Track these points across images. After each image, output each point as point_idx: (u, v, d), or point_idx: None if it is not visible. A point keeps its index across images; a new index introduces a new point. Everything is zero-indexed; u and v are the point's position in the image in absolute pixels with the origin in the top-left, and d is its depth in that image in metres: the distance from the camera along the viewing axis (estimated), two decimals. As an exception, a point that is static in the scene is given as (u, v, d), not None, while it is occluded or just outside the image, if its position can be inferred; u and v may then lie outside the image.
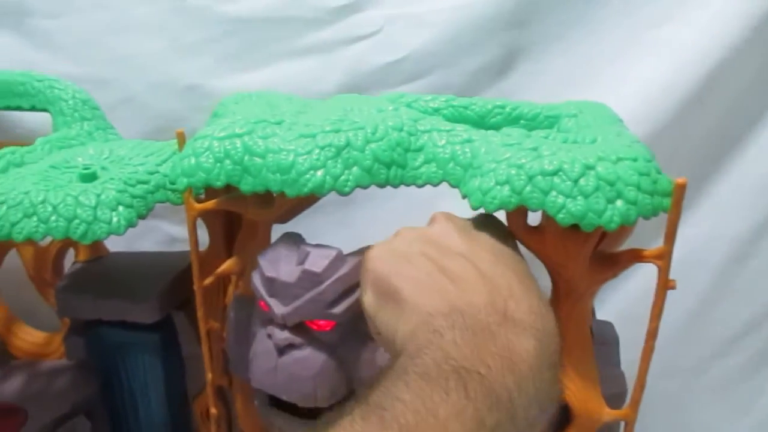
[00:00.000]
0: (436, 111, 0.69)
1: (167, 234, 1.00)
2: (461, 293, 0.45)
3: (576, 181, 0.50)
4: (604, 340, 0.73)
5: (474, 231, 0.54)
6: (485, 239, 0.53)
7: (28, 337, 0.88)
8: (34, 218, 0.59)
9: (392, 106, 0.64)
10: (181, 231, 0.98)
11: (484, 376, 0.39)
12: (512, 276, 0.47)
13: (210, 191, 0.69)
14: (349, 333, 0.60)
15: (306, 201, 0.63)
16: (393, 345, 0.47)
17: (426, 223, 0.57)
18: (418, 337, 0.43)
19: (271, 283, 0.58)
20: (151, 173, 0.66)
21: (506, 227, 0.58)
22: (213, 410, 0.75)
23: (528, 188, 0.51)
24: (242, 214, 0.68)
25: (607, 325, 0.76)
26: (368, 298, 0.51)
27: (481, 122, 0.68)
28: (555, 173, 0.51)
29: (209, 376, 0.73)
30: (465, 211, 0.57)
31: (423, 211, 1.03)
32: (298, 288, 0.57)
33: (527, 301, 0.45)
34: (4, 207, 0.60)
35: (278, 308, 0.58)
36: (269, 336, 0.60)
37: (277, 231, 0.65)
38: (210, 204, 0.65)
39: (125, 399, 0.83)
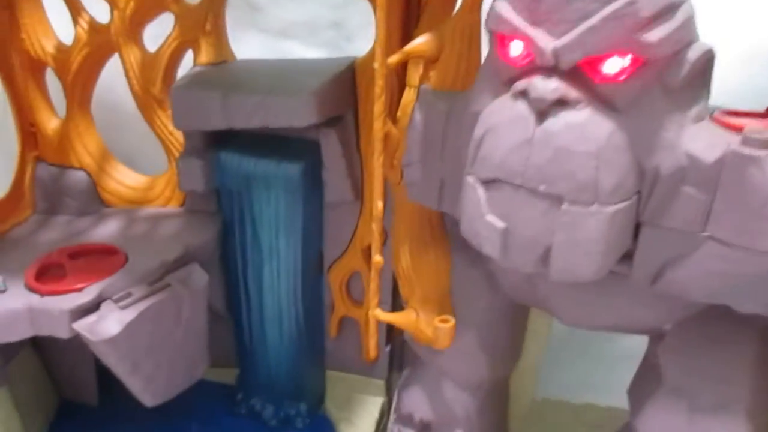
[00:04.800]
0: None
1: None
2: None
3: None
4: None
5: None
6: None
7: (126, 179, 0.69)
8: None
9: None
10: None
11: None
12: None
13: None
14: (648, 91, 0.38)
15: None
16: None
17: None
18: None
19: (535, 2, 0.37)
20: None
21: None
22: (378, 258, 0.54)
23: None
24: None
25: None
26: None
27: None
28: None
29: (378, 206, 0.53)
30: None
31: None
32: (587, 1, 0.36)
33: None
34: None
35: (545, 41, 0.37)
36: (520, 96, 0.39)
37: None
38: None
39: (247, 251, 0.64)
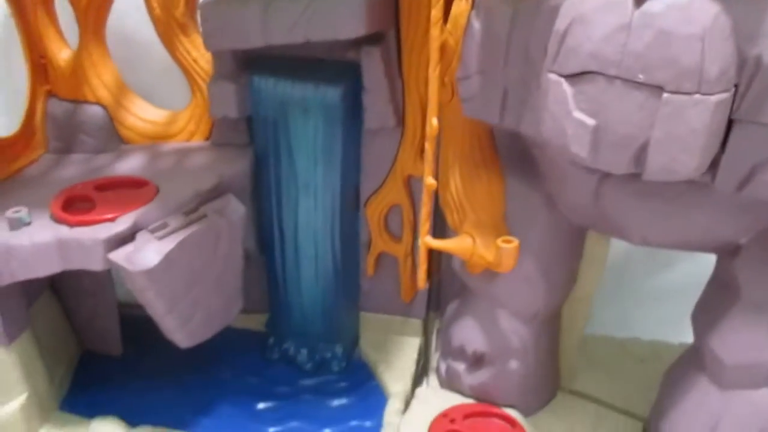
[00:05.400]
0: None
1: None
2: None
3: None
4: None
5: None
6: None
7: (145, 114, 0.65)
8: None
9: None
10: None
11: None
12: None
13: None
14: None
15: None
16: None
17: None
18: None
19: None
20: None
21: None
22: (431, 180, 0.51)
23: None
24: None
25: None
26: None
27: None
28: None
29: (433, 123, 0.49)
30: None
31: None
32: None
33: None
34: None
35: None
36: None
37: None
38: None
39: (282, 185, 0.60)
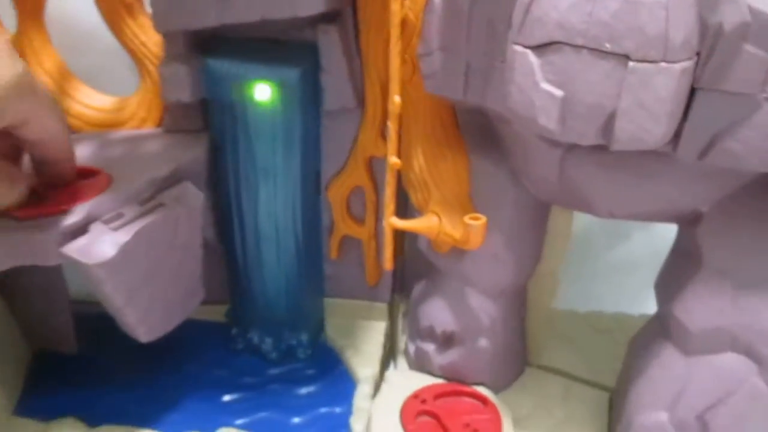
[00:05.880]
0: None
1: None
2: None
3: None
4: None
5: None
6: None
7: (92, 101, 0.62)
8: None
9: None
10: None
11: None
12: None
13: None
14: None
15: None
16: None
17: None
18: None
19: None
20: None
21: None
22: (395, 159, 0.50)
23: None
24: None
25: None
26: None
27: None
28: None
29: (396, 100, 0.48)
30: None
31: None
32: None
33: None
34: None
35: None
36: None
37: None
38: None
39: (240, 171, 0.58)
